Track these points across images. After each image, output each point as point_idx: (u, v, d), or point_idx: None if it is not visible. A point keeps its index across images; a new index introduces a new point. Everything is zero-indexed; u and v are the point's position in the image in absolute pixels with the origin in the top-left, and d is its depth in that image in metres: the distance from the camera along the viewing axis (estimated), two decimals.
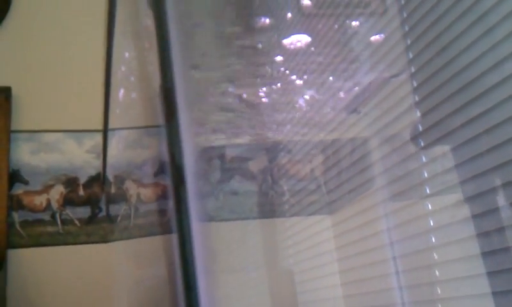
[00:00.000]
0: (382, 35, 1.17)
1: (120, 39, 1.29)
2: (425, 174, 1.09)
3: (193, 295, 0.54)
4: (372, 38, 1.25)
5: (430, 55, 0.94)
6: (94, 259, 1.81)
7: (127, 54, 1.71)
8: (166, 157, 1.81)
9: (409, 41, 1.01)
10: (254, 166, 1.93)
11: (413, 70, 1.02)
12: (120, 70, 1.46)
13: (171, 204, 1.77)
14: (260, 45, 1.78)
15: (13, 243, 1.76)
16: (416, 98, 1.01)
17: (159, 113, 1.84)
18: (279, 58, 1.75)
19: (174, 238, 0.58)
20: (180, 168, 0.54)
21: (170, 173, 0.55)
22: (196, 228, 0.59)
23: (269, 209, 1.91)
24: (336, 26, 1.38)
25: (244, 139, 1.91)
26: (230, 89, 1.81)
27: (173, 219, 0.57)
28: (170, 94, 0.56)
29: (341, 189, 1.62)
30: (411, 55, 1.02)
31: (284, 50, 1.73)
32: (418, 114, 1.01)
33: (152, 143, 1.93)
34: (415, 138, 1.04)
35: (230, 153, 1.90)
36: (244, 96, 1.74)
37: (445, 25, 0.89)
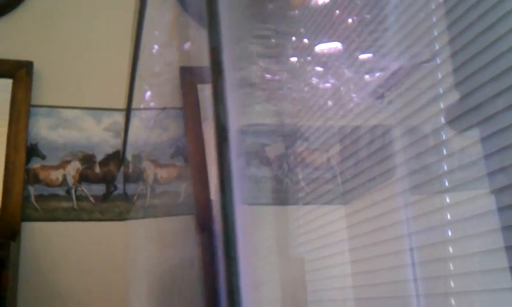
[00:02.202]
0: (420, 13, 1.16)
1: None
2: (454, 164, 1.10)
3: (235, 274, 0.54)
4: (408, 16, 1.23)
5: (473, 35, 0.94)
6: (107, 237, 1.82)
7: (151, 35, 1.71)
8: (183, 140, 1.82)
9: (451, 19, 1.01)
10: (271, 152, 1.93)
11: (453, 49, 1.01)
12: (143, 51, 1.46)
13: (183, 186, 1.78)
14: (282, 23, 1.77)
15: (28, 216, 1.78)
16: (453, 81, 1.01)
17: (179, 95, 1.85)
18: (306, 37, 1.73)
19: (217, 216, 0.58)
20: (224, 127, 0.55)
21: (214, 132, 0.55)
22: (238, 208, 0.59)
23: (283, 196, 1.92)
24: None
25: (262, 119, 1.91)
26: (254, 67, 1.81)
27: (217, 196, 0.58)
28: (217, 52, 0.57)
29: (357, 179, 1.62)
30: (451, 35, 1.02)
31: (311, 28, 1.71)
32: (457, 97, 1.01)
33: (171, 125, 1.95)
34: (451, 122, 1.04)
35: (249, 137, 1.91)
36: (268, 75, 1.73)
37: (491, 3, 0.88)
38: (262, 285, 1.70)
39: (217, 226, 0.55)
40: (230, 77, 0.58)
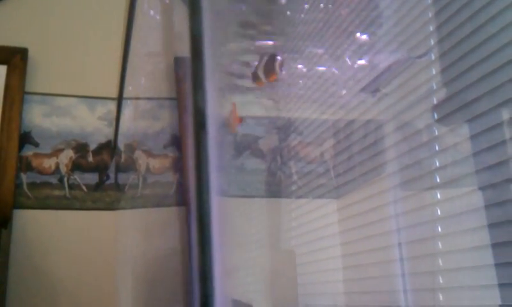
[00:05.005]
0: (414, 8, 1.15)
1: (140, 10, 1.29)
2: (446, 160, 1.09)
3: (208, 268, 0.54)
4: (402, 11, 1.22)
5: (463, 34, 0.93)
6: (99, 226, 1.82)
7: (146, 24, 1.71)
8: (176, 130, 1.81)
9: (442, 17, 1.00)
10: (264, 144, 1.93)
11: (443, 47, 1.01)
12: (137, 40, 1.46)
13: (176, 177, 1.78)
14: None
15: (20, 203, 1.77)
16: (444, 78, 1.01)
17: (173, 85, 1.84)
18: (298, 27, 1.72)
19: (192, 206, 0.57)
20: (201, 113, 0.54)
21: (192, 120, 0.54)
22: (214, 198, 0.58)
23: (275, 189, 1.92)
24: None
25: (257, 112, 1.90)
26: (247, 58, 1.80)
27: (191, 171, 0.56)
28: (197, 38, 0.56)
29: (350, 174, 1.62)
30: (441, 34, 1.01)
31: (304, 19, 1.70)
32: (445, 94, 1.01)
33: (164, 115, 1.94)
34: (440, 120, 1.04)
35: (242, 128, 1.91)
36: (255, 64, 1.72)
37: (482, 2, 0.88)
38: (252, 277, 1.70)
39: (192, 216, 0.54)
40: (211, 64, 0.57)
